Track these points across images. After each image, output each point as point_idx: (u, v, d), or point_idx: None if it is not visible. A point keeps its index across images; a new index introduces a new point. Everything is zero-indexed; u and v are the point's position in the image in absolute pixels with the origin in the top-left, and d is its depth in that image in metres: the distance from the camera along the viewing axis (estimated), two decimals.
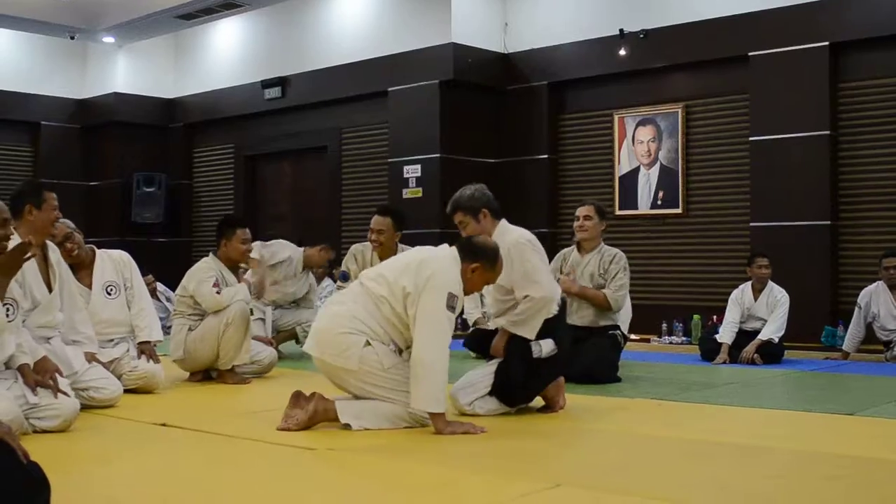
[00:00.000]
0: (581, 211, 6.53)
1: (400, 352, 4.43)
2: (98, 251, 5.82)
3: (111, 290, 5.72)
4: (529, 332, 4.75)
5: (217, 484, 3.36)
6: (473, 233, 4.82)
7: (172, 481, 3.38)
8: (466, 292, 4.48)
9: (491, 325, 5.15)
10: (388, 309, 4.36)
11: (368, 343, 4.33)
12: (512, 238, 4.83)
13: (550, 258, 5.86)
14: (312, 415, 4.30)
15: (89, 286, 5.64)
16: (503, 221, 4.97)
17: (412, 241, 10.81)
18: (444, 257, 4.44)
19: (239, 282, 6.34)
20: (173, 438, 4.26)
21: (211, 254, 6.39)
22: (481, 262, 4.44)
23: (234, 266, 6.38)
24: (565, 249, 6.78)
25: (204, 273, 6.18)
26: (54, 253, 4.96)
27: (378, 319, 4.38)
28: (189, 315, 6.20)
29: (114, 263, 5.81)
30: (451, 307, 4.27)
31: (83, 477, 3.43)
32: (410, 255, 4.59)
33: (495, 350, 4.83)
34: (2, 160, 13.93)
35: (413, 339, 4.29)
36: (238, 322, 6.08)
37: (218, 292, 6.10)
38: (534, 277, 4.76)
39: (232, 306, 6.08)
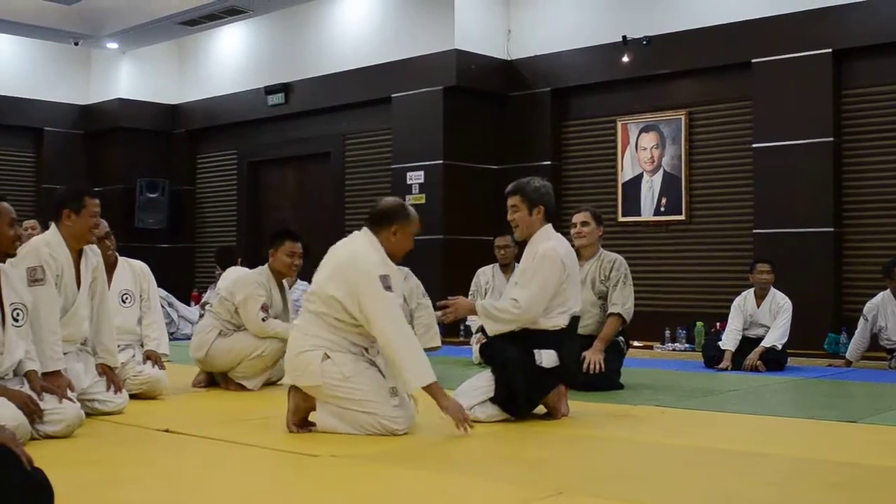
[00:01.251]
0: (577, 217, 6.49)
1: (366, 350, 4.43)
2: (120, 258, 5.86)
3: (126, 298, 5.76)
4: (492, 328, 4.81)
5: (220, 490, 3.36)
6: (520, 221, 4.91)
7: (175, 487, 3.38)
8: (398, 256, 4.50)
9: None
10: (331, 318, 4.37)
11: (327, 356, 4.33)
12: (547, 245, 4.85)
13: None
14: (294, 409, 4.41)
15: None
16: (549, 226, 4.98)
17: (416, 247, 10.80)
18: (358, 249, 4.42)
19: (283, 299, 6.29)
20: (177, 444, 4.26)
21: (267, 264, 6.28)
22: (397, 223, 4.46)
23: (280, 280, 6.27)
24: None
25: (254, 289, 6.07)
26: (95, 257, 4.97)
27: (328, 329, 4.38)
28: (225, 320, 6.18)
29: (133, 273, 5.88)
30: (387, 287, 4.31)
31: (87, 482, 3.43)
32: (331, 261, 4.48)
33: (456, 307, 4.86)
34: (5, 166, 13.96)
35: (376, 337, 4.34)
36: (269, 359, 6.10)
37: (264, 319, 6.05)
38: (531, 286, 4.77)
39: (272, 345, 6.03)
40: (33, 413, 4.06)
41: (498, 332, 4.81)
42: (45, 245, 4.71)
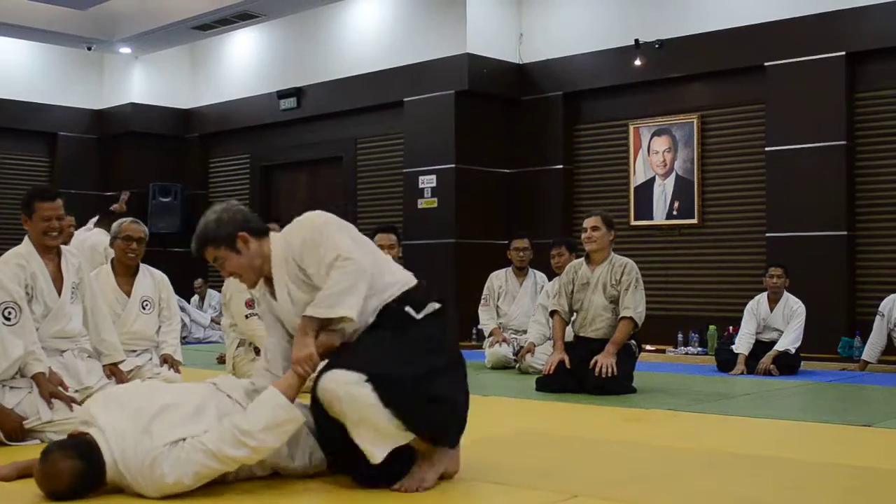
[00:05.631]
0: (588, 222, 6.48)
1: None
2: (141, 265, 5.92)
3: (146, 304, 5.83)
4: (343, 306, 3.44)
5: (232, 498, 3.36)
6: (237, 268, 3.69)
7: (188, 496, 3.38)
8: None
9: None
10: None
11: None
12: (290, 231, 3.85)
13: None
14: None
15: (128, 294, 5.77)
16: (266, 238, 3.82)
17: (428, 251, 10.81)
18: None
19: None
20: None
21: None
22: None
23: None
24: (574, 262, 6.73)
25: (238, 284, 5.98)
26: (74, 258, 4.98)
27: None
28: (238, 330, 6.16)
29: (154, 280, 5.94)
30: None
31: (99, 491, 3.44)
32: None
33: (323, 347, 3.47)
34: (19, 170, 14.01)
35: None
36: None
37: (247, 316, 6.02)
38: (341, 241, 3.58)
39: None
40: (14, 439, 4.19)
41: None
42: (14, 256, 4.69)
